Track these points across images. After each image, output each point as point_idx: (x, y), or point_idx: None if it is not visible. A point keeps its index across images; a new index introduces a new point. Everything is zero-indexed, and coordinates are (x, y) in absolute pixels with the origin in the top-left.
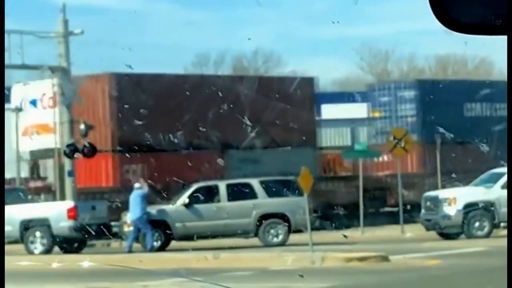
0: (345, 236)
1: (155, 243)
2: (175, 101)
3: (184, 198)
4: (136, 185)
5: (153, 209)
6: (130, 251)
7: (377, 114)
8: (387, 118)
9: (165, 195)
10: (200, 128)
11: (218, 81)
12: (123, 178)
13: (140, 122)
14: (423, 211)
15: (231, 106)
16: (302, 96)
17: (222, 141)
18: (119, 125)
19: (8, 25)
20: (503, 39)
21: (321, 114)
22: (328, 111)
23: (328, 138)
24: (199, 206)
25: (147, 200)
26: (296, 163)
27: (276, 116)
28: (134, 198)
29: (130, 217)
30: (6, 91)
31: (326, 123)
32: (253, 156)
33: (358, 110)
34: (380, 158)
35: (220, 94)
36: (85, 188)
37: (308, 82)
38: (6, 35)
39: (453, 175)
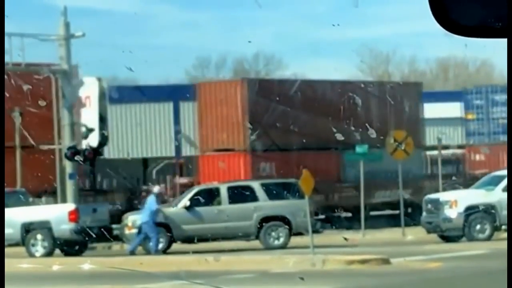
0: (346, 239)
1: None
2: (299, 103)
3: (185, 201)
4: (155, 189)
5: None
6: (133, 253)
7: (470, 116)
8: (480, 120)
9: None
10: (323, 129)
11: (341, 86)
12: (257, 175)
13: (270, 123)
14: (424, 213)
15: (355, 109)
16: (411, 98)
17: (346, 141)
18: (252, 126)
19: (9, 27)
20: (503, 41)
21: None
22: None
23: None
24: (200, 209)
25: (158, 204)
26: (407, 162)
27: (386, 118)
28: (150, 203)
29: (141, 219)
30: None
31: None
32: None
33: (452, 110)
34: (477, 157)
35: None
36: None
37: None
38: (7, 38)
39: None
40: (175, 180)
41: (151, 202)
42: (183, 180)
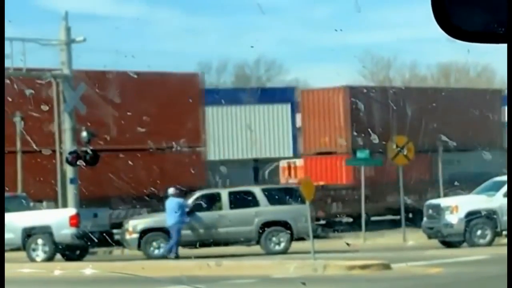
0: (348, 244)
1: (156, 251)
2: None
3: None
4: (170, 190)
5: (154, 217)
6: (177, 256)
7: None
8: None
9: None
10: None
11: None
12: (356, 177)
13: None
14: (425, 219)
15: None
16: (490, 102)
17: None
18: (353, 130)
19: (11, 32)
20: (504, 47)
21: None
22: None
23: None
24: (201, 214)
25: (185, 209)
26: (489, 163)
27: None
28: (172, 204)
29: (167, 222)
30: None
31: None
32: (456, 158)
33: None
34: None
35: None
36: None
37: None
38: (8, 42)
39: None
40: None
41: (174, 204)
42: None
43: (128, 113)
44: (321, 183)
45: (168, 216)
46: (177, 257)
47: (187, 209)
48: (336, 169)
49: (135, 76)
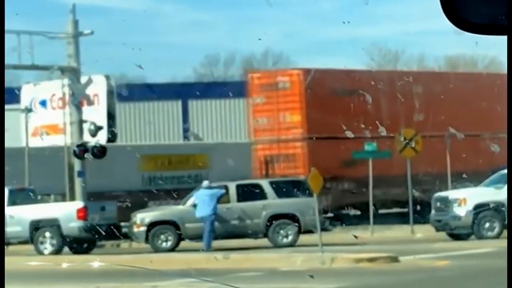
0: (355, 236)
1: (164, 244)
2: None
3: (194, 199)
4: (204, 183)
5: (162, 210)
6: (208, 249)
7: None
8: None
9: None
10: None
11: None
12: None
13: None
14: (433, 211)
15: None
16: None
17: None
18: None
19: (18, 25)
20: None
21: None
22: None
23: None
24: None
25: (219, 201)
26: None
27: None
28: (204, 196)
29: (198, 214)
30: (16, 91)
31: None
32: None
33: None
34: None
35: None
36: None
37: None
38: (15, 35)
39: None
40: None
41: (206, 195)
42: None
43: None
44: None
45: (199, 208)
46: (209, 249)
47: (224, 192)
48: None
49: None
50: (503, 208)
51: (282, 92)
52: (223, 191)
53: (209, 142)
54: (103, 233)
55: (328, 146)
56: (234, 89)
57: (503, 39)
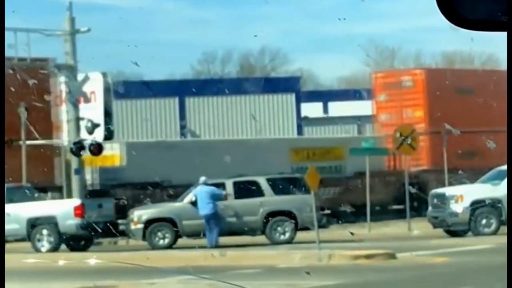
0: (352, 233)
1: (161, 241)
2: None
3: (191, 196)
4: (202, 179)
5: (159, 207)
6: (215, 245)
7: None
8: None
9: None
10: None
11: None
12: None
13: None
14: (430, 208)
15: None
16: None
17: None
18: None
19: (15, 22)
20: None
21: None
22: None
23: None
24: None
25: (219, 196)
26: None
27: None
28: (204, 193)
29: (201, 211)
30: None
31: None
32: None
33: None
34: None
35: None
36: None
37: None
38: (12, 33)
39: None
40: None
41: (207, 192)
42: None
43: None
44: None
45: (201, 206)
46: (217, 246)
47: (223, 195)
48: None
49: None
50: (499, 205)
51: (405, 90)
52: (223, 194)
53: (348, 136)
54: (100, 231)
55: (448, 139)
56: (231, 86)
57: (500, 35)
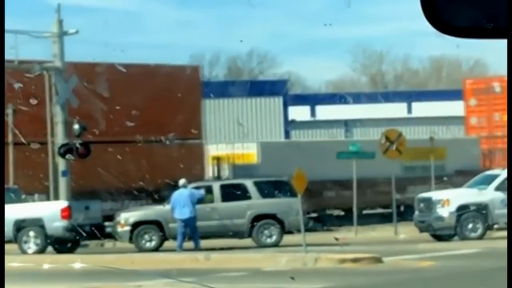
0: (336, 239)
1: (148, 244)
2: None
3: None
4: (181, 182)
5: (146, 210)
6: (198, 248)
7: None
8: None
9: None
10: None
11: None
12: None
13: None
14: (416, 212)
15: None
16: None
17: None
18: None
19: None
20: (496, 41)
21: None
22: None
23: None
24: None
25: (200, 202)
26: None
27: None
28: (184, 197)
29: (178, 215)
30: None
31: None
32: None
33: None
34: None
35: None
36: None
37: None
38: None
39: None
40: None
41: (186, 196)
42: None
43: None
44: None
45: (180, 209)
46: (200, 249)
47: (204, 196)
48: None
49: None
50: (485, 210)
51: (495, 95)
52: (203, 193)
53: (446, 138)
54: (87, 233)
55: None
56: (217, 90)
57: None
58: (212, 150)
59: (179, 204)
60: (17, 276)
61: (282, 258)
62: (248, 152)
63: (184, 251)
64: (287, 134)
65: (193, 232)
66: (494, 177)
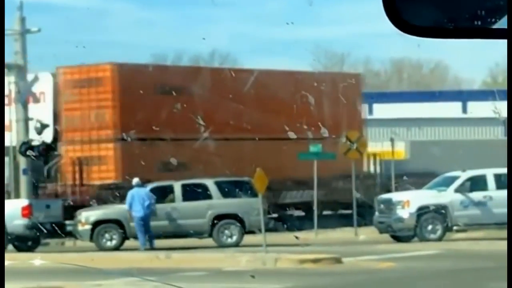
0: (296, 237)
1: (108, 243)
2: None
3: (128, 198)
4: (135, 181)
5: (107, 208)
6: (146, 248)
7: None
8: None
9: None
10: None
11: None
12: None
13: None
14: (376, 213)
15: None
16: None
17: None
18: None
19: None
20: (458, 44)
21: None
22: None
23: None
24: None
25: (152, 198)
26: None
27: None
28: (139, 195)
29: (135, 214)
30: None
31: None
32: None
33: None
34: None
35: None
36: None
37: None
38: None
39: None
40: None
41: (140, 194)
42: None
43: None
44: None
45: (136, 208)
46: (153, 248)
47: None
48: None
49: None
50: (444, 211)
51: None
52: (153, 200)
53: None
54: (47, 231)
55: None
56: None
57: (448, 42)
58: None
59: (137, 202)
60: None
61: (242, 258)
62: (398, 149)
63: (147, 250)
64: None
65: (148, 231)
66: (454, 178)
